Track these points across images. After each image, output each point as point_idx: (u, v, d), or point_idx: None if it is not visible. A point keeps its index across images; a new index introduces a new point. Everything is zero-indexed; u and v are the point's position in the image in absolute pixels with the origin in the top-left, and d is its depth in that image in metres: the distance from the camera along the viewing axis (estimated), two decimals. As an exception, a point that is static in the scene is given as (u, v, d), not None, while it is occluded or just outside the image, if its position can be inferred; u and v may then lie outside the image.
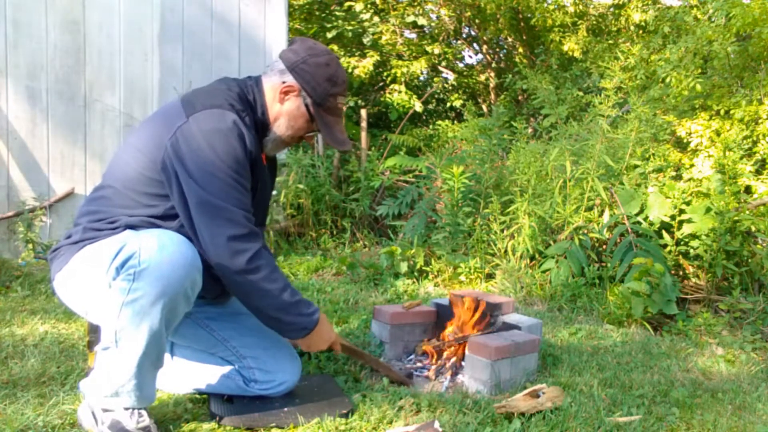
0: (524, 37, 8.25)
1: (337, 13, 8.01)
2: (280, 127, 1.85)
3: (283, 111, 1.83)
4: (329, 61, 1.81)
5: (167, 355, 1.98)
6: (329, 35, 7.70)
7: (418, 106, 7.81)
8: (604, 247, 3.91)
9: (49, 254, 1.79)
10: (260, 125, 1.84)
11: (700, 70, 4.76)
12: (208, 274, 1.71)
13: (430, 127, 8.26)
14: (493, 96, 8.70)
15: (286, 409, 1.84)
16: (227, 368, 1.93)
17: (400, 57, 8.39)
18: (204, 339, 1.92)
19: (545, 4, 7.33)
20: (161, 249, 1.54)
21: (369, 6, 8.05)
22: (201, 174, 1.63)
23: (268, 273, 1.69)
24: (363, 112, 6.18)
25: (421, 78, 9.12)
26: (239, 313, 1.98)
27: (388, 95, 7.93)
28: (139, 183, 1.71)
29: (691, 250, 3.71)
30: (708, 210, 3.62)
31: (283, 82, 1.81)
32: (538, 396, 1.92)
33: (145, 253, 1.53)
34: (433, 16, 8.65)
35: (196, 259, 1.60)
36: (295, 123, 1.85)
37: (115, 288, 1.56)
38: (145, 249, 1.54)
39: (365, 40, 7.92)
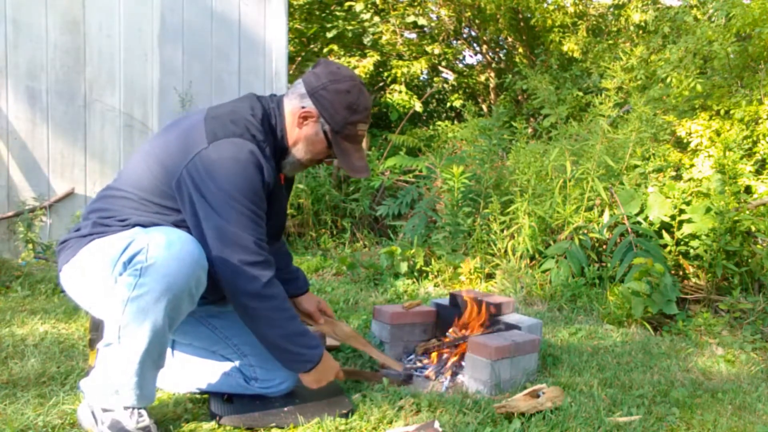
0: (524, 37, 8.25)
1: (337, 13, 8.01)
2: (299, 151, 1.85)
3: (302, 136, 1.83)
4: (350, 88, 1.78)
5: (168, 353, 1.99)
6: (329, 35, 7.70)
7: (418, 106, 7.82)
8: (604, 247, 3.91)
9: (56, 246, 1.80)
10: (279, 149, 1.84)
11: (700, 71, 4.76)
12: (212, 278, 1.71)
13: (430, 127, 8.26)
14: (493, 96, 8.70)
15: (286, 408, 1.84)
16: (228, 366, 1.93)
17: (400, 57, 8.40)
18: (205, 336, 1.93)
19: (545, 5, 7.33)
20: (169, 246, 1.55)
21: (369, 6, 8.05)
22: (217, 202, 1.64)
23: (279, 302, 1.70)
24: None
25: (421, 78, 9.12)
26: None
27: (388, 95, 7.93)
28: (153, 194, 1.72)
29: (691, 250, 3.71)
30: (708, 210, 3.62)
31: (303, 107, 1.80)
32: (538, 396, 1.92)
33: (153, 249, 1.54)
34: (433, 16, 8.65)
35: (202, 258, 1.61)
36: (314, 148, 1.84)
37: (121, 283, 1.56)
38: (153, 245, 1.54)
39: (365, 40, 7.92)
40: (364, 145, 5.97)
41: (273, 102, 1.85)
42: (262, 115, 1.79)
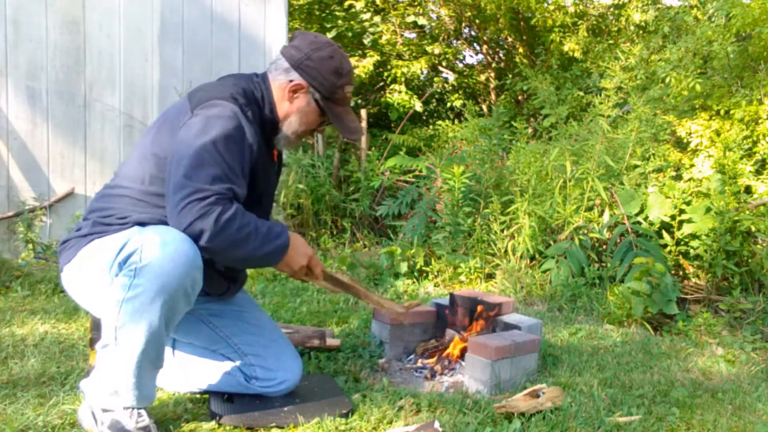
0: (524, 37, 8.24)
1: (337, 13, 8.00)
2: (291, 124, 1.85)
3: (293, 109, 1.84)
4: (333, 54, 1.81)
5: (168, 352, 1.99)
6: (329, 35, 7.70)
7: (419, 106, 7.81)
8: (604, 247, 3.91)
9: (58, 246, 1.80)
10: (269, 122, 1.84)
11: (699, 70, 4.76)
12: (214, 271, 1.71)
13: (431, 127, 8.26)
14: (493, 96, 8.69)
15: (286, 408, 1.84)
16: (228, 365, 1.93)
17: (400, 57, 8.39)
18: (206, 335, 1.93)
19: (545, 5, 7.32)
20: (163, 246, 1.54)
21: (369, 5, 8.04)
22: (188, 152, 1.59)
23: (239, 222, 1.59)
24: (363, 112, 6.18)
25: (421, 78, 9.11)
26: (243, 310, 1.99)
27: (388, 95, 7.92)
28: (151, 184, 1.72)
29: (691, 250, 3.71)
30: (708, 210, 3.61)
31: (290, 81, 1.81)
32: (538, 396, 1.92)
33: (147, 250, 1.54)
34: (433, 16, 8.64)
35: (197, 257, 1.60)
36: (307, 119, 1.86)
37: (116, 284, 1.57)
38: (147, 246, 1.54)
39: (365, 40, 7.91)
40: (363, 144, 5.91)
41: (257, 77, 1.87)
42: (245, 86, 1.80)
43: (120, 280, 1.56)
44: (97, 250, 1.67)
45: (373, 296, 2.05)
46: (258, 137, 1.77)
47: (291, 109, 1.84)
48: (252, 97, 1.80)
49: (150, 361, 1.61)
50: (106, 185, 1.82)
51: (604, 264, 3.81)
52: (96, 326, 1.83)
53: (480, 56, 9.41)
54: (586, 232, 3.86)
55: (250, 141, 1.72)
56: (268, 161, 1.87)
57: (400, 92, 7.80)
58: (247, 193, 1.74)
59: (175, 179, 1.59)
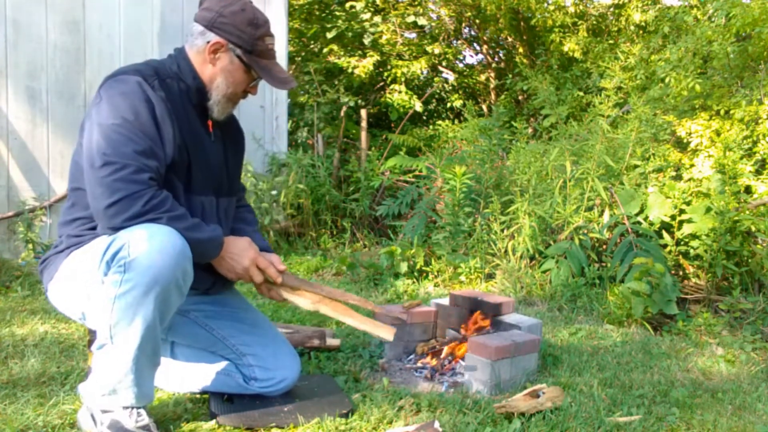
0: (524, 38, 8.25)
1: (337, 13, 8.00)
2: (219, 87, 1.82)
3: (218, 70, 1.80)
4: (244, 6, 1.78)
5: (167, 354, 1.99)
6: (329, 35, 7.70)
7: (419, 106, 7.81)
8: (604, 247, 3.91)
9: (39, 266, 1.80)
10: (195, 92, 1.81)
11: (699, 70, 4.76)
12: (199, 266, 1.70)
13: (431, 127, 8.25)
14: (493, 96, 8.69)
15: (286, 408, 1.84)
16: (227, 367, 1.93)
17: (400, 57, 8.39)
18: (203, 338, 1.92)
19: (545, 5, 7.32)
20: (151, 238, 1.53)
21: (369, 5, 8.04)
22: (104, 132, 1.61)
23: (168, 207, 1.61)
24: (363, 112, 6.18)
25: (422, 78, 9.10)
26: (237, 311, 1.98)
27: (388, 95, 7.91)
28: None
29: (691, 250, 3.71)
30: (708, 210, 3.61)
31: (208, 42, 1.78)
32: (538, 396, 1.92)
33: (134, 243, 1.52)
34: (433, 16, 8.64)
35: (185, 248, 1.59)
36: (234, 78, 1.82)
37: (107, 283, 1.56)
38: (134, 240, 1.53)
39: (365, 40, 7.91)
40: (363, 144, 5.89)
41: (174, 52, 1.85)
42: (156, 65, 1.79)
43: (110, 278, 1.55)
44: (81, 258, 1.68)
45: (356, 315, 1.90)
46: (165, 102, 1.72)
47: (215, 71, 1.80)
48: (166, 72, 1.78)
49: (147, 357, 1.60)
50: (66, 200, 1.82)
51: (604, 264, 3.81)
52: (94, 327, 1.84)
53: (480, 56, 9.41)
54: (586, 232, 3.86)
55: (158, 112, 1.68)
56: (198, 132, 1.82)
57: (400, 92, 7.80)
58: (174, 165, 1.71)
59: (99, 160, 1.58)
